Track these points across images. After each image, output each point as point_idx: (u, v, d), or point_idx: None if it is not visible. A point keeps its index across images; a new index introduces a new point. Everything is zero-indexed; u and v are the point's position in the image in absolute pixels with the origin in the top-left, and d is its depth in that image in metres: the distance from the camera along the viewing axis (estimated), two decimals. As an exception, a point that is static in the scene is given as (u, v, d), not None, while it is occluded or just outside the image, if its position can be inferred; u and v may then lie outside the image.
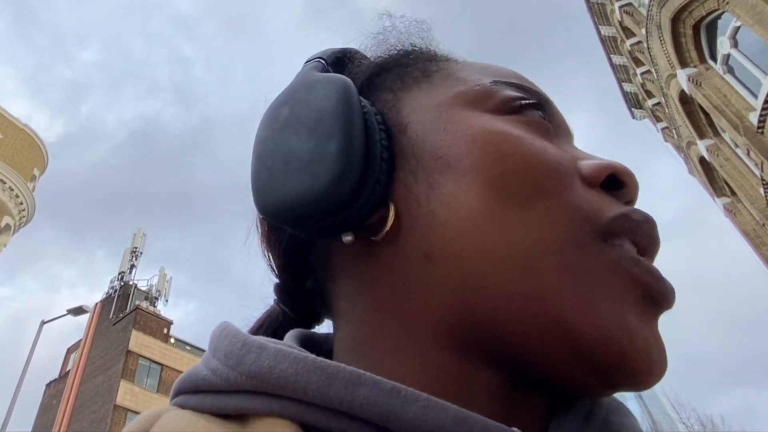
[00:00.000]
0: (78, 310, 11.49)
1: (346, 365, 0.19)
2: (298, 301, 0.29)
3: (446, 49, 0.33)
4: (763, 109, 6.22)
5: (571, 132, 0.29)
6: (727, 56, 6.92)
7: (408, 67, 0.30)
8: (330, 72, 0.29)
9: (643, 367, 0.20)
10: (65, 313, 11.35)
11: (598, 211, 0.22)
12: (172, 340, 19.29)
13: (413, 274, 0.23)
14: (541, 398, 0.22)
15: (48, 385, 21.75)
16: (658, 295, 0.21)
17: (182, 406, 0.21)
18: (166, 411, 0.21)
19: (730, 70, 6.98)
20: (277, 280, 0.30)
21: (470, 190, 0.22)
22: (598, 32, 10.60)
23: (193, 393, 0.22)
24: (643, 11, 8.20)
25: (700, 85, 7.31)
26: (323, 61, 0.30)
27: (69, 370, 20.50)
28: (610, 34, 10.34)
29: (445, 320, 0.22)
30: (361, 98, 0.25)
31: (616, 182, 0.24)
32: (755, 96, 6.45)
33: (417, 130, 0.26)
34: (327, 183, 0.22)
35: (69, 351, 22.75)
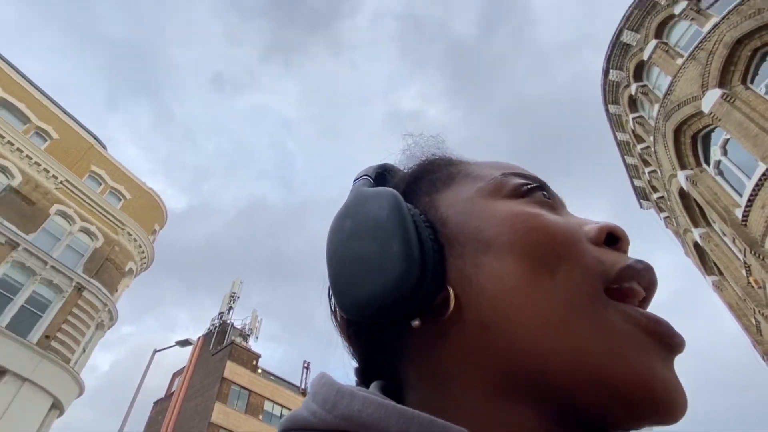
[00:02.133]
0: (184, 342, 13.55)
1: (420, 412, 0.22)
2: (371, 375, 0.33)
3: (459, 153, 0.40)
4: (746, 206, 7.33)
5: (564, 203, 0.34)
6: (718, 162, 8.23)
7: (435, 173, 0.36)
8: (374, 186, 0.35)
9: (671, 405, 0.23)
10: (173, 344, 13.45)
11: (609, 265, 0.26)
12: (259, 371, 22.85)
13: (472, 343, 0.26)
14: None
15: (155, 403, 25.95)
16: (672, 342, 0.25)
17: None
18: None
19: (721, 173, 8.24)
20: (356, 365, 0.35)
21: (509, 264, 0.26)
22: (615, 138, 12.22)
23: (296, 431, 0.25)
24: (652, 123, 9.84)
25: (696, 184, 8.54)
26: (369, 178, 0.36)
27: (173, 392, 24.24)
28: (625, 140, 11.95)
29: (497, 377, 0.25)
30: (407, 204, 0.31)
31: (613, 238, 0.28)
32: (740, 195, 7.62)
33: (456, 221, 0.30)
34: (396, 279, 0.26)
35: (174, 375, 26.97)
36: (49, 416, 11.48)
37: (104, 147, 16.29)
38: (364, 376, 0.34)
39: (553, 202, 0.32)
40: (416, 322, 0.27)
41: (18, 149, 12.91)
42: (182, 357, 25.65)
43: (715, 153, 8.21)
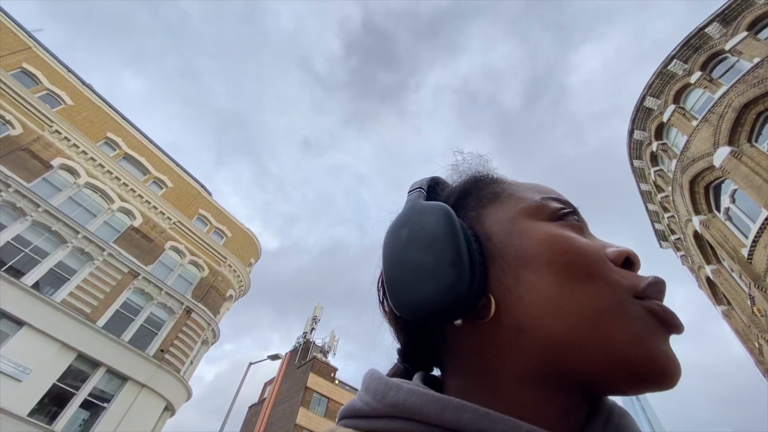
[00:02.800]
0: (274, 357, 15.54)
1: (454, 398, 0.27)
2: (415, 362, 0.38)
3: (501, 172, 0.42)
4: (751, 246, 8.26)
5: (588, 226, 0.38)
6: (728, 209, 9.28)
7: (482, 190, 0.39)
8: (427, 198, 0.38)
9: (670, 374, 0.28)
10: (266, 358, 15.37)
11: (635, 283, 0.31)
12: (337, 382, 26.47)
13: (507, 342, 0.30)
14: (586, 409, 0.31)
15: (250, 407, 30.45)
16: (673, 325, 0.30)
17: (346, 426, 0.30)
18: (336, 429, 0.29)
19: (729, 218, 9.25)
20: (399, 347, 0.40)
21: (546, 279, 0.30)
22: (639, 188, 13.38)
23: (352, 418, 0.30)
24: (670, 175, 11.05)
25: (708, 227, 9.53)
26: (423, 190, 0.39)
27: (265, 398, 28.30)
28: (647, 189, 13.13)
29: (528, 370, 0.30)
30: (458, 218, 0.33)
31: (628, 262, 0.33)
32: (746, 237, 8.58)
33: (500, 238, 0.34)
34: (448, 287, 0.30)
35: (266, 385, 31.74)
36: (162, 416, 13.12)
37: (209, 194, 18.76)
38: (405, 358, 0.39)
39: (582, 225, 0.35)
40: (458, 322, 0.32)
41: (139, 195, 15.19)
42: (272, 369, 28.94)
43: (725, 201, 9.29)
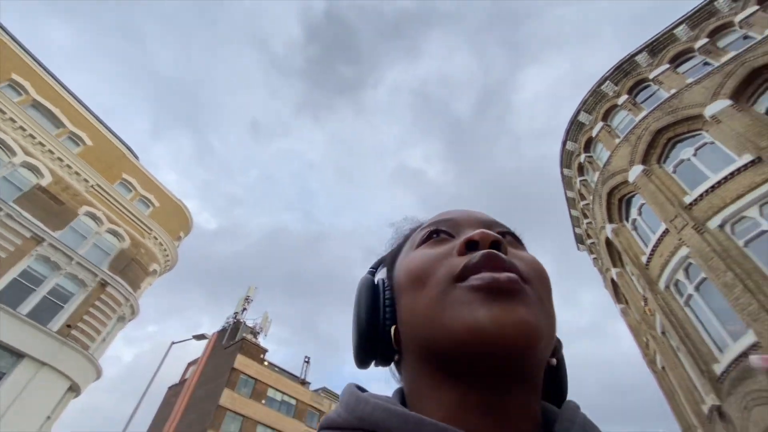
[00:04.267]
0: (200, 336, 15.18)
1: (413, 413, 0.31)
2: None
3: (432, 211, 0.50)
4: (649, 254, 9.41)
5: (483, 221, 0.44)
6: (635, 220, 10.54)
7: (401, 247, 0.49)
8: (374, 274, 0.48)
9: (501, 336, 0.30)
10: (191, 337, 15.02)
11: (455, 269, 0.36)
12: (266, 363, 25.93)
13: (411, 354, 0.38)
14: (529, 411, 0.34)
15: (170, 388, 28.58)
16: (493, 288, 0.33)
17: None
18: None
19: (635, 228, 10.53)
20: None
21: (405, 296, 0.38)
22: (566, 195, 14.76)
23: (328, 429, 0.34)
24: (593, 185, 12.12)
25: (618, 235, 10.76)
26: (372, 269, 0.50)
27: (187, 378, 27.09)
28: (572, 196, 14.50)
29: (431, 373, 0.35)
30: (381, 279, 0.45)
31: (472, 244, 0.38)
32: (647, 246, 9.70)
33: (396, 280, 0.43)
34: (356, 346, 0.41)
35: (189, 364, 29.86)
36: (66, 397, 12.15)
37: (136, 157, 17.00)
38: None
39: (444, 236, 0.43)
40: (390, 364, 0.42)
41: (49, 150, 13.33)
42: (199, 351, 28.43)
43: (633, 213, 10.60)
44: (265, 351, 26.43)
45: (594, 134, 12.49)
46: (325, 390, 32.98)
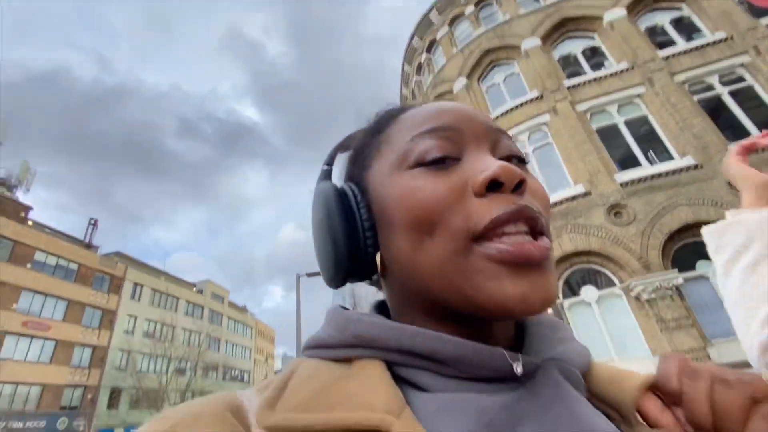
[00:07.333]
0: None
1: (411, 326, 0.32)
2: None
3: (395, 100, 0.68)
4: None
5: (488, 131, 0.36)
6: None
7: (369, 146, 0.40)
8: (330, 176, 0.42)
9: (525, 310, 0.29)
10: None
11: (478, 219, 0.30)
12: (30, 223, 22.12)
13: (401, 288, 0.36)
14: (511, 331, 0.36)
15: None
16: (520, 262, 0.29)
17: (311, 356, 0.34)
18: (302, 360, 0.34)
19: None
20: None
21: (402, 238, 0.33)
22: (401, 91, 15.70)
23: (317, 348, 0.34)
24: (425, 88, 12.92)
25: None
26: (327, 166, 0.43)
27: None
28: (406, 94, 15.61)
29: (421, 307, 0.34)
30: (350, 186, 0.38)
31: (495, 184, 0.31)
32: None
33: (377, 203, 0.36)
34: (329, 268, 0.37)
35: None
36: None
37: None
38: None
39: (449, 159, 0.34)
40: (368, 281, 0.40)
41: None
42: None
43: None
44: (27, 208, 22.02)
45: (438, 37, 12.96)
46: (119, 254, 30.19)
